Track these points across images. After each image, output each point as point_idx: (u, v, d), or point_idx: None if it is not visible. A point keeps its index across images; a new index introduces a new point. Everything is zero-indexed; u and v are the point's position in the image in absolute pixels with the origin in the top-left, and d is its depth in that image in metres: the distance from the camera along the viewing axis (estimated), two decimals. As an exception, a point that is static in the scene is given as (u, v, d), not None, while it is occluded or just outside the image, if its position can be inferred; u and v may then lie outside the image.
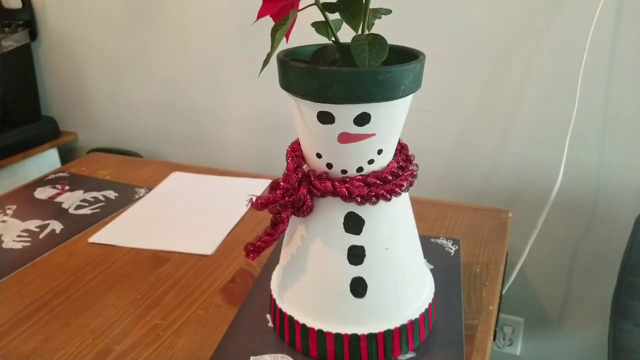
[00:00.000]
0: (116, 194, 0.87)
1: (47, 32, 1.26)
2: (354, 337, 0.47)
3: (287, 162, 0.47)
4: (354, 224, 0.45)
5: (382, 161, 0.44)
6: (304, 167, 0.46)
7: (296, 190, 0.44)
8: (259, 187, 0.88)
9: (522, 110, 0.91)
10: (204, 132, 1.20)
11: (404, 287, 0.48)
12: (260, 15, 0.39)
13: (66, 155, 1.36)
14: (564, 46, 0.85)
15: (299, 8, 0.40)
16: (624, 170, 0.88)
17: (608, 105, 0.85)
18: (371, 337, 0.47)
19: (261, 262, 0.66)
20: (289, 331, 0.50)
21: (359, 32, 0.42)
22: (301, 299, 0.49)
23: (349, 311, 0.47)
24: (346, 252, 0.45)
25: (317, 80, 0.39)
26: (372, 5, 0.42)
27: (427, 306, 0.51)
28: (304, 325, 0.48)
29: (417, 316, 0.49)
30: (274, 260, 0.66)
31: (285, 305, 0.50)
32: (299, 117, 0.43)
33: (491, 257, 0.67)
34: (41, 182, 0.92)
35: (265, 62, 0.37)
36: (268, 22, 0.38)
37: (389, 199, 0.44)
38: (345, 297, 0.46)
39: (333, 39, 0.44)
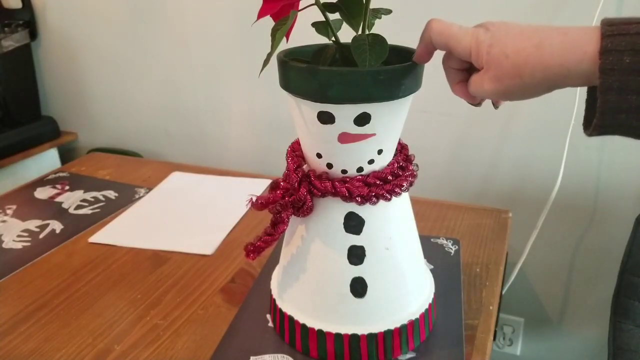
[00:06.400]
0: (116, 194, 0.87)
1: (47, 32, 1.26)
2: (354, 337, 0.47)
3: (287, 162, 0.47)
4: (354, 224, 0.45)
5: (382, 161, 0.44)
6: (304, 167, 0.46)
7: (296, 190, 0.44)
8: (259, 187, 0.88)
9: (522, 110, 0.91)
10: (204, 132, 1.20)
11: (404, 287, 0.48)
12: (261, 15, 0.39)
13: (66, 155, 1.36)
14: (564, 46, 0.84)
15: (299, 8, 0.40)
16: (624, 170, 0.88)
17: (608, 105, 0.85)
18: (371, 337, 0.47)
19: (261, 262, 0.66)
20: (289, 331, 0.50)
21: (359, 32, 0.43)
22: (301, 299, 0.49)
23: (349, 311, 0.47)
24: (346, 252, 0.45)
25: (317, 80, 0.39)
26: (372, 5, 0.42)
27: (427, 306, 0.51)
28: (304, 325, 0.48)
29: (417, 316, 0.49)
30: (274, 260, 0.66)
31: (285, 305, 0.50)
32: (299, 117, 0.43)
33: (491, 257, 0.67)
34: (41, 182, 0.92)
35: (265, 62, 0.37)
36: (268, 22, 0.38)
37: (389, 199, 0.44)
38: (345, 297, 0.46)
39: (333, 39, 0.44)
